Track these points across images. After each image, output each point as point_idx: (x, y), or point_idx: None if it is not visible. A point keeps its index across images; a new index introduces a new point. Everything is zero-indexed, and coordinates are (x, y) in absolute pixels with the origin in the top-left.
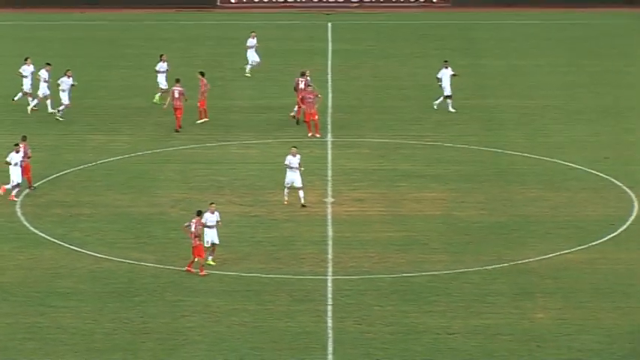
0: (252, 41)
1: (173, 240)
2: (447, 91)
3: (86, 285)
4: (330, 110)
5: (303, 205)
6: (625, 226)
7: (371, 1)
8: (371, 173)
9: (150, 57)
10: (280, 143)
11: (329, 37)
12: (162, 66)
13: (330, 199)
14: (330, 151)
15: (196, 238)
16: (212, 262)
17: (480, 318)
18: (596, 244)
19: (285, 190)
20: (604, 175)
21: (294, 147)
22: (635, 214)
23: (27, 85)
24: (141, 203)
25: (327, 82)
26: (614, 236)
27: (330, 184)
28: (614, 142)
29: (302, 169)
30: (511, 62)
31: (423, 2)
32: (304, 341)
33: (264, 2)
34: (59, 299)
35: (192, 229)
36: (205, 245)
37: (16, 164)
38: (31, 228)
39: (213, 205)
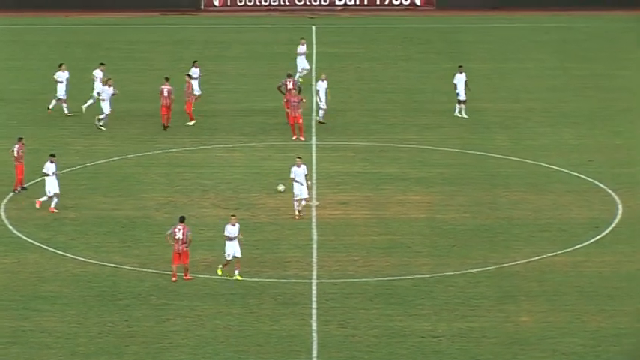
0: (302, 48)
1: (158, 243)
2: (461, 96)
3: (70, 289)
4: (314, 114)
5: (299, 212)
6: (609, 229)
7: (355, 4)
8: (355, 176)
9: (135, 60)
10: (265, 147)
11: (313, 41)
12: (195, 71)
13: (314, 203)
14: (314, 155)
15: (183, 245)
16: (239, 277)
17: (464, 321)
18: (580, 247)
19: (295, 204)
20: (588, 178)
21: (299, 157)
22: (619, 216)
23: (61, 91)
24: (126, 207)
25: (312, 86)
26: (599, 239)
27: (314, 187)
28: (599, 146)
29: (310, 182)
30: (496, 65)
31: (408, 5)
32: (289, 345)
33: (248, 6)
34: (43, 303)
35: (180, 236)
36: (227, 258)
37: (51, 175)
38: (15, 232)
39: (234, 218)
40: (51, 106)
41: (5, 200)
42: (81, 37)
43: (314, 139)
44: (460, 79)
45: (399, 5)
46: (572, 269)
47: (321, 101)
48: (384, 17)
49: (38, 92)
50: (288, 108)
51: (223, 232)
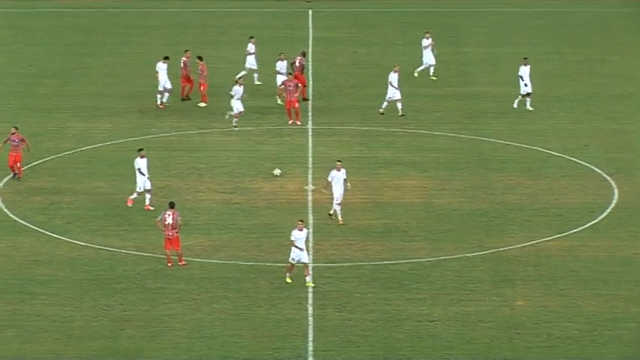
0: (426, 41)
1: (154, 227)
2: (528, 89)
3: (66, 272)
4: (310, 98)
5: (341, 223)
6: (605, 214)
7: None
8: (351, 161)
9: (131, 44)
10: (261, 131)
11: (310, 25)
12: (281, 66)
13: (310, 187)
14: (310, 139)
15: (173, 230)
16: (311, 284)
17: (460, 305)
18: (576, 232)
19: (338, 207)
20: (584, 163)
21: (339, 161)
22: (614, 201)
23: (162, 81)
24: (122, 190)
25: (308, 70)
26: (594, 224)
27: (310, 171)
28: (595, 130)
29: (349, 185)
30: (492, 50)
31: None
32: (285, 328)
33: None
34: (39, 286)
35: (169, 221)
36: (290, 262)
37: (141, 171)
38: (12, 215)
39: (301, 223)
40: (165, 100)
41: (1, 184)
42: (76, 22)
43: (310, 123)
44: (525, 72)
45: None
46: (568, 254)
47: (388, 94)
48: (381, 1)
49: (34, 77)
50: (283, 93)
51: (290, 236)
